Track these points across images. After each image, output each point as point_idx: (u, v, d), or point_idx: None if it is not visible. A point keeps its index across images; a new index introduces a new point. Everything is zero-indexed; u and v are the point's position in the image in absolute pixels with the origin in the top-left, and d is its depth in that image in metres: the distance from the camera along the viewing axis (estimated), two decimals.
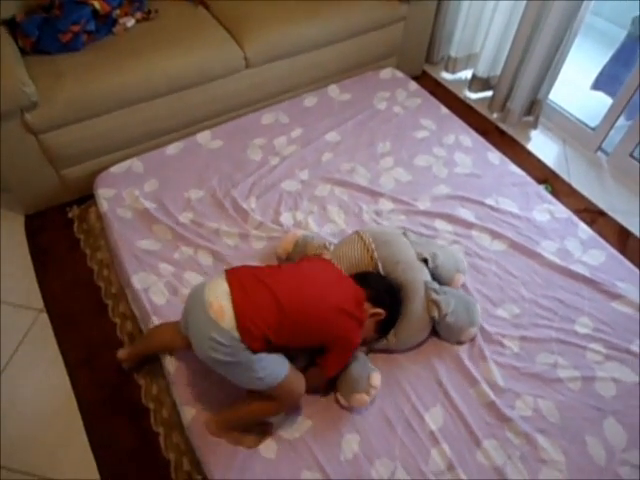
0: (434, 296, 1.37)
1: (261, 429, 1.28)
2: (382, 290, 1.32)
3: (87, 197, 2.03)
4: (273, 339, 1.13)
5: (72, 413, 1.56)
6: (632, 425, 1.30)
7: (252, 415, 1.26)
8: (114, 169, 1.87)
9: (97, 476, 1.45)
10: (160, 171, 1.87)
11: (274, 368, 1.16)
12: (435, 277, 1.45)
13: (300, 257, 1.48)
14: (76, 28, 1.86)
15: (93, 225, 2.00)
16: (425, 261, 1.45)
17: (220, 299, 1.13)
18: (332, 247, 1.49)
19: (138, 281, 1.55)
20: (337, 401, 1.31)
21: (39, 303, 1.82)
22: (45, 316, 1.78)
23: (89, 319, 1.76)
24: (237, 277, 1.19)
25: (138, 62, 1.90)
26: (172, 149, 1.95)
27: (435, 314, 1.36)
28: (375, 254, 1.40)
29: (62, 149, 1.87)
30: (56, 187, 2.00)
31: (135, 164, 1.89)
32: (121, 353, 1.53)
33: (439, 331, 1.43)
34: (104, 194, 1.79)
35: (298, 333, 1.18)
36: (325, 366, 1.25)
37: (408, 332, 1.37)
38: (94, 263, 1.91)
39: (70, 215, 2.07)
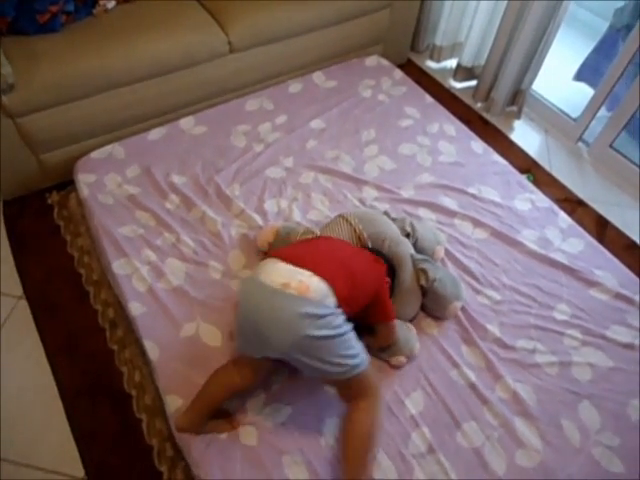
0: (422, 265, 1.41)
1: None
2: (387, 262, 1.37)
3: (67, 183, 2.00)
4: (346, 309, 1.09)
5: (53, 400, 1.55)
6: (606, 408, 1.33)
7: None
8: (95, 154, 1.84)
9: (79, 462, 1.44)
10: (142, 157, 1.84)
11: (362, 347, 1.09)
12: (418, 251, 1.49)
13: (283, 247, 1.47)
14: (54, 8, 1.81)
15: (73, 211, 1.97)
16: (407, 236, 1.49)
17: (292, 277, 1.04)
18: (318, 231, 1.49)
19: (119, 267, 1.54)
20: (392, 365, 1.36)
21: (18, 290, 1.79)
22: (24, 303, 1.76)
23: (70, 306, 1.74)
24: (290, 256, 1.12)
25: (119, 45, 1.86)
26: (154, 134, 1.92)
27: (423, 282, 1.40)
28: (364, 234, 1.42)
29: (41, 133, 1.83)
30: (35, 172, 1.96)
31: (116, 149, 1.86)
32: (181, 422, 1.22)
33: (427, 304, 1.46)
34: (84, 179, 1.76)
35: (359, 296, 1.16)
36: (387, 315, 1.28)
37: (400, 305, 1.40)
38: (75, 250, 1.88)
39: (50, 201, 2.03)
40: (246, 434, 1.25)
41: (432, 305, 1.45)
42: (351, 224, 1.44)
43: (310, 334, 1.00)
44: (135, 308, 1.45)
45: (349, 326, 1.08)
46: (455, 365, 1.38)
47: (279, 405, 1.29)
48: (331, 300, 1.05)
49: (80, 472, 1.43)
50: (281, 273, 1.07)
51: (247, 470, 1.20)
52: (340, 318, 1.06)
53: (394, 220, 1.53)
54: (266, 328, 1.05)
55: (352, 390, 1.11)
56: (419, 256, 1.45)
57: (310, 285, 1.04)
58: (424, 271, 1.41)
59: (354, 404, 1.11)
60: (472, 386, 1.34)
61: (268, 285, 1.05)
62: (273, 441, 1.24)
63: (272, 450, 1.23)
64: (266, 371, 1.25)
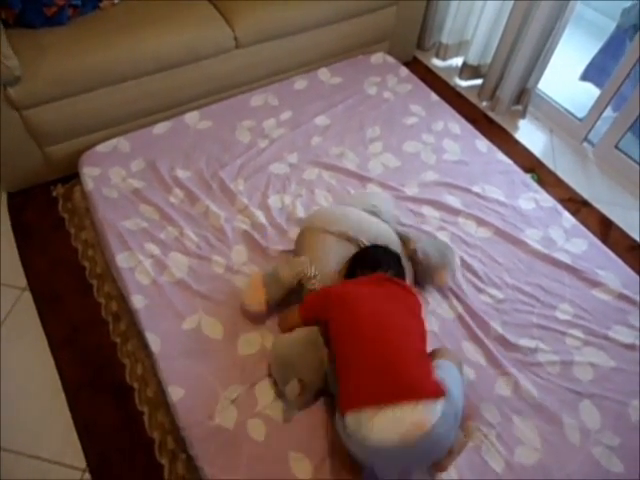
0: (409, 234, 1.45)
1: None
2: (392, 263, 1.35)
3: (72, 176, 2.00)
4: None
5: (56, 392, 1.56)
6: (606, 408, 1.33)
7: None
8: (100, 148, 1.84)
9: (81, 454, 1.45)
10: (147, 151, 1.85)
11: None
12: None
13: (282, 294, 1.38)
14: (61, 1, 1.81)
15: (78, 204, 1.98)
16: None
17: (402, 425, 1.02)
18: (307, 260, 1.39)
19: (122, 260, 1.54)
20: None
21: (22, 282, 1.80)
22: (28, 295, 1.77)
23: (73, 298, 1.74)
24: (373, 396, 1.07)
25: (125, 39, 1.86)
26: (159, 129, 1.92)
27: (405, 253, 1.42)
28: (361, 238, 1.42)
29: (46, 126, 1.84)
30: (40, 165, 1.97)
31: (121, 143, 1.86)
32: None
33: (417, 274, 1.47)
34: (89, 173, 1.77)
35: None
36: None
37: None
38: (79, 243, 1.89)
39: (54, 194, 2.04)
40: (254, 429, 1.25)
41: (421, 276, 1.47)
42: (335, 235, 1.41)
43: (454, 435, 1.11)
44: (138, 301, 1.46)
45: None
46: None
47: (289, 402, 1.28)
48: (438, 401, 1.05)
49: (82, 463, 1.44)
50: (395, 427, 1.02)
51: (252, 464, 1.20)
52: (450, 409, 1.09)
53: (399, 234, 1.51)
54: (420, 465, 1.17)
55: None
56: (401, 228, 1.48)
57: (424, 416, 1.02)
58: (406, 238, 1.42)
59: None
60: (472, 384, 1.34)
61: (394, 445, 1.03)
62: (280, 436, 1.24)
63: (278, 446, 1.23)
64: None
